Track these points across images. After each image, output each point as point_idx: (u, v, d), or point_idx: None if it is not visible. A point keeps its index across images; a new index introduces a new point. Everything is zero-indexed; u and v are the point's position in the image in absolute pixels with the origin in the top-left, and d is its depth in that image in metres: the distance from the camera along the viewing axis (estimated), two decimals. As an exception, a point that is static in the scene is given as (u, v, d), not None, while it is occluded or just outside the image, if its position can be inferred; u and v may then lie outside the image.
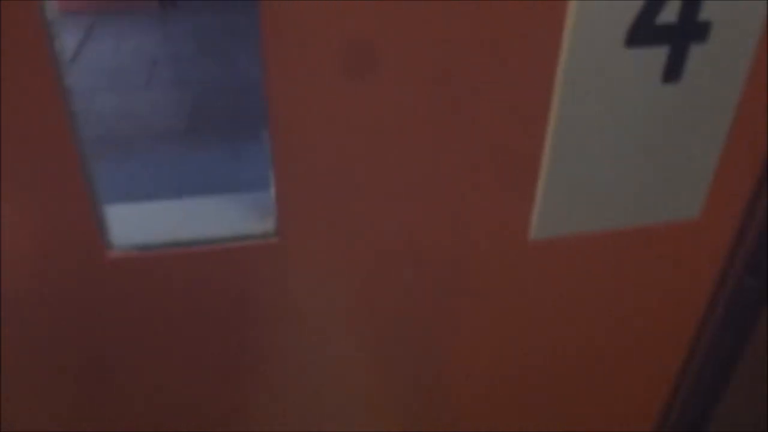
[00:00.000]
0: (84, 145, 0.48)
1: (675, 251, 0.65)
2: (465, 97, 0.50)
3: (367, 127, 0.51)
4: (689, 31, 0.46)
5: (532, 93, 0.50)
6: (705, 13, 0.45)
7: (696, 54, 0.48)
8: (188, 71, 2.62)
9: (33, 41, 0.42)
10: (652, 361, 0.76)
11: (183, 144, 2.03)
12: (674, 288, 0.69)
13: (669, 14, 0.45)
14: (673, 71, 0.48)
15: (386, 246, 0.59)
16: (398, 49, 0.46)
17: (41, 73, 0.43)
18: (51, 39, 0.42)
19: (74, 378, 0.59)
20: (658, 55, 0.48)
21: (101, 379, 0.60)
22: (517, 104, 0.51)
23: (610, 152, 0.54)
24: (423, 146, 0.53)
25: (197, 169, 1.83)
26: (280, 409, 0.67)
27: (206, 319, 0.59)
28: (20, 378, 0.57)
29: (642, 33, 0.46)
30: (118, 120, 2.21)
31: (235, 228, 0.57)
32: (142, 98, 2.41)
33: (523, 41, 0.48)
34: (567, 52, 0.47)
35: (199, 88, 2.48)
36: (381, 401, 0.71)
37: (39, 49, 0.42)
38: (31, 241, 0.50)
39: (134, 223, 0.56)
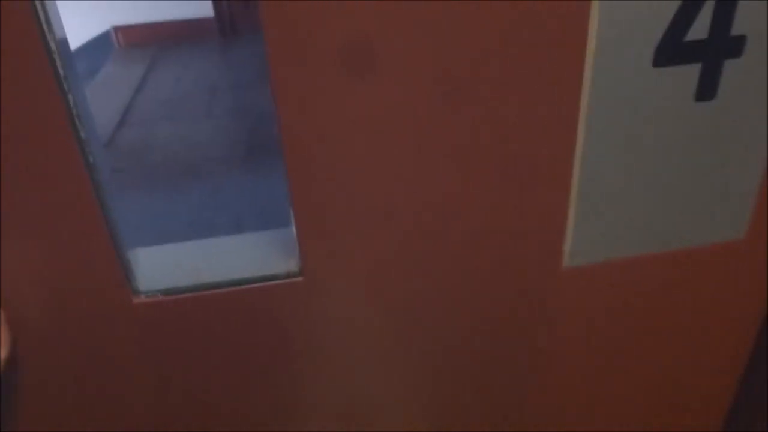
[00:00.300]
0: (107, 193, 0.49)
1: (721, 273, 0.61)
2: (490, 126, 0.49)
3: (387, 158, 0.50)
4: (722, 46, 0.43)
5: (556, 119, 0.48)
6: (738, 27, 0.42)
7: (730, 69, 0.45)
8: (247, 99, 2.69)
9: (44, 82, 0.43)
10: (701, 388, 0.72)
11: (242, 170, 2.08)
12: (722, 311, 0.65)
13: (699, 30, 0.43)
14: (706, 89, 0.45)
15: (413, 280, 0.57)
16: (418, 67, 0.45)
17: (57, 128, 0.44)
18: (64, 78, 0.43)
19: (104, 422, 0.60)
20: (689, 73, 0.45)
21: (131, 423, 0.61)
22: (544, 130, 0.49)
23: (643, 175, 0.51)
24: (449, 178, 0.52)
25: (256, 195, 1.87)
26: None
27: (233, 359, 0.59)
28: (49, 423, 0.58)
29: (671, 52, 0.43)
30: (180, 148, 2.29)
31: (260, 268, 0.57)
32: (202, 126, 2.48)
33: (545, 70, 0.46)
34: (591, 76, 0.45)
35: (257, 116, 2.54)
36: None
37: (50, 91, 0.43)
38: (58, 290, 0.52)
39: (159, 267, 0.57)
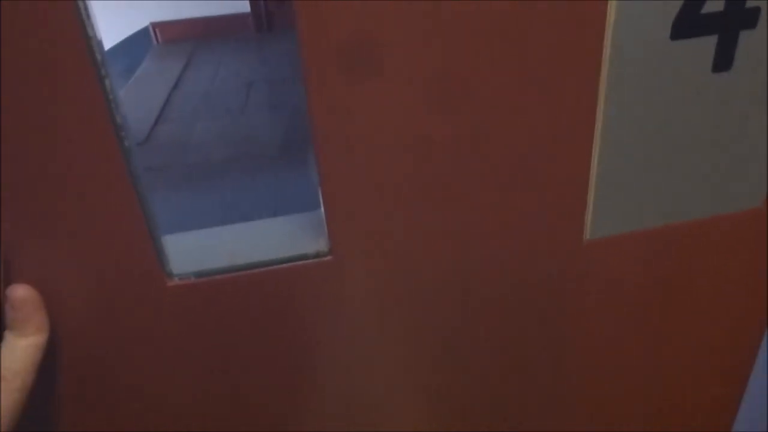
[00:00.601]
0: (140, 180, 0.51)
1: (742, 241, 0.62)
2: (510, 99, 0.51)
3: (411, 135, 0.52)
4: (737, 18, 0.45)
5: (576, 96, 0.50)
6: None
7: (746, 40, 0.46)
8: (283, 94, 2.74)
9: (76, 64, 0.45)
10: (725, 356, 0.73)
11: (278, 166, 2.12)
12: (744, 279, 0.66)
13: (715, 3, 0.44)
14: (723, 60, 0.46)
15: (439, 255, 0.59)
16: (444, 58, 0.47)
17: (94, 120, 0.47)
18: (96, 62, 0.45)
19: (142, 403, 0.63)
20: (706, 45, 0.46)
21: (169, 403, 0.63)
22: (564, 105, 0.50)
23: (662, 146, 0.52)
24: (470, 153, 0.54)
25: (292, 191, 1.91)
26: (336, 427, 0.69)
27: (264, 339, 0.61)
28: (88, 408, 0.61)
29: (688, 25, 0.44)
30: (217, 144, 2.34)
31: (290, 249, 0.59)
32: (238, 121, 2.54)
33: (566, 46, 0.48)
34: (610, 52, 0.46)
35: (293, 110, 2.58)
36: (440, 413, 0.71)
37: (83, 69, 0.46)
38: (94, 276, 0.54)
39: (192, 250, 0.60)
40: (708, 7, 0.45)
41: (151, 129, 2.36)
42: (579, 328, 0.71)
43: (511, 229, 0.62)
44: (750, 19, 0.45)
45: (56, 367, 0.58)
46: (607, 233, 0.61)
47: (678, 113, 0.52)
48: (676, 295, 0.70)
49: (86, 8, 0.43)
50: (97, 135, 0.48)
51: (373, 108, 0.52)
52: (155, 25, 2.76)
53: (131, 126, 0.49)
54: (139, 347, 0.59)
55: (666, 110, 0.52)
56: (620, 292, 0.69)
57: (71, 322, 0.57)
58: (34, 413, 0.56)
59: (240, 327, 0.61)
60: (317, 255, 0.60)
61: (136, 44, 2.76)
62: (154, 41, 2.81)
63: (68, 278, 0.55)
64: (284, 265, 0.59)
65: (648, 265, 0.67)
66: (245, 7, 2.75)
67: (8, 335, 0.48)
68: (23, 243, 0.50)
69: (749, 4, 0.45)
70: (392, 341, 0.69)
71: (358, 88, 0.50)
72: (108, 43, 0.51)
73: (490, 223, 0.61)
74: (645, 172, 0.58)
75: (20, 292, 0.48)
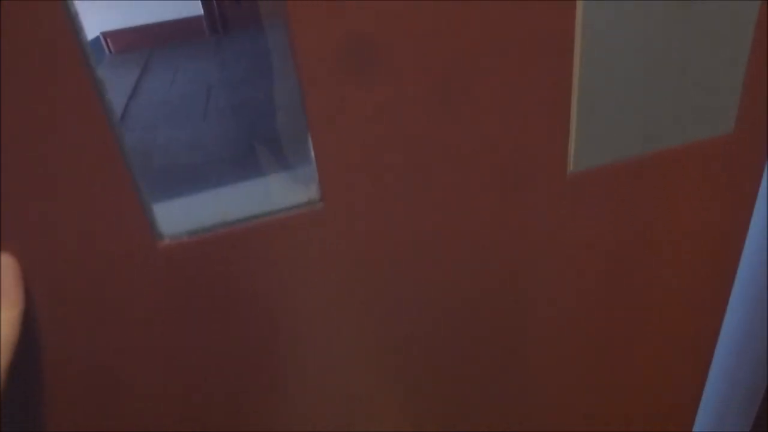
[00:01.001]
0: (125, 142, 0.51)
1: (716, 166, 0.65)
2: (488, 34, 0.52)
3: (393, 82, 0.53)
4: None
5: (554, 25, 0.52)
6: None
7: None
8: (243, 96, 2.72)
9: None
10: (704, 284, 0.76)
11: (244, 168, 2.10)
12: (719, 206, 0.69)
13: None
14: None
15: (424, 195, 0.60)
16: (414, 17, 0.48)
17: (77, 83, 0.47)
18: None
19: (130, 368, 0.62)
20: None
21: (158, 366, 0.63)
22: (542, 41, 0.52)
23: (639, 76, 0.54)
24: (453, 88, 0.54)
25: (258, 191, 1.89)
26: (328, 381, 0.69)
27: (258, 294, 0.61)
28: (72, 377, 0.61)
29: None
30: (180, 151, 2.32)
31: (282, 200, 0.59)
32: (201, 127, 2.51)
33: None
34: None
35: (255, 112, 2.57)
36: (432, 366, 0.72)
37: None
38: (80, 241, 0.54)
39: (182, 212, 0.60)
40: None
41: (111, 140, 2.32)
42: (562, 270, 0.72)
43: (495, 165, 0.63)
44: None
45: (35, 335, 0.57)
46: (590, 165, 0.63)
47: (651, 41, 0.54)
48: (654, 230, 0.72)
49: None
50: (80, 95, 0.48)
51: (360, 50, 0.52)
52: (106, 35, 2.72)
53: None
54: (132, 311, 0.59)
55: (639, 38, 0.54)
56: (603, 229, 0.70)
57: (58, 289, 0.56)
58: (18, 382, 0.55)
59: (235, 284, 0.61)
60: (309, 203, 0.60)
61: (89, 56, 2.72)
62: (107, 51, 2.77)
63: (54, 244, 0.54)
64: (277, 216, 0.59)
65: (628, 197, 0.69)
66: (198, 9, 2.73)
67: None
68: (4, 207, 0.49)
69: None
70: (381, 287, 0.69)
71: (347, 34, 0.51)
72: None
73: (474, 161, 0.62)
74: (624, 102, 0.59)
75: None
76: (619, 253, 0.72)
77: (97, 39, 3.10)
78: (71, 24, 0.44)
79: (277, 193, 0.63)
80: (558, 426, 0.84)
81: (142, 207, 0.54)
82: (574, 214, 0.66)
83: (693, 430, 0.97)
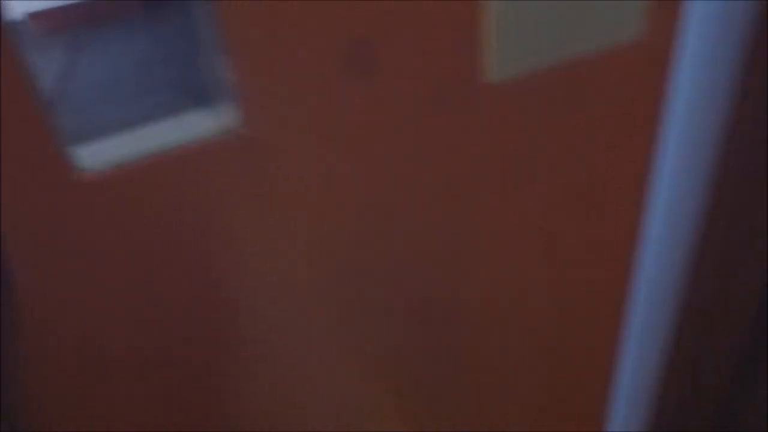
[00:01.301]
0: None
1: (627, 72, 0.68)
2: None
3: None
4: None
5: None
6: None
7: None
8: (183, 70, 2.67)
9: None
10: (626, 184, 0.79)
11: (165, 107, 2.07)
12: (630, 114, 0.72)
13: None
14: None
15: (338, 117, 0.59)
16: None
17: None
18: None
19: (64, 309, 0.61)
20: None
21: (92, 306, 0.61)
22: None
23: None
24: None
25: (179, 126, 1.87)
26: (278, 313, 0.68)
27: (183, 224, 0.60)
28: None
29: None
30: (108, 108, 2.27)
31: (203, 130, 0.58)
32: (141, 104, 2.46)
33: None
34: None
35: (197, 88, 2.52)
36: (363, 296, 0.72)
37: None
38: (9, 180, 0.52)
39: (104, 149, 0.58)
40: None
41: (47, 125, 2.26)
42: (483, 175, 0.72)
43: (418, 70, 0.62)
44: None
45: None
46: (504, 75, 0.64)
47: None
48: (574, 131, 0.73)
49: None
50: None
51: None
52: (32, 16, 2.63)
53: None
54: (55, 245, 0.57)
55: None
56: (520, 133, 0.71)
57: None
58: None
59: (158, 214, 0.60)
60: (231, 128, 0.59)
61: (14, 39, 2.63)
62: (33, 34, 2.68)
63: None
64: (199, 143, 0.57)
65: (544, 105, 0.70)
66: (128, -19, 2.65)
67: None
68: None
69: None
70: (302, 219, 0.68)
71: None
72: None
73: (391, 68, 0.61)
74: (536, 8, 0.60)
75: None
76: (534, 170, 0.73)
77: (24, 20, 3.00)
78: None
79: (197, 125, 0.61)
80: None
81: (58, 139, 0.52)
82: (492, 126, 0.66)
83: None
